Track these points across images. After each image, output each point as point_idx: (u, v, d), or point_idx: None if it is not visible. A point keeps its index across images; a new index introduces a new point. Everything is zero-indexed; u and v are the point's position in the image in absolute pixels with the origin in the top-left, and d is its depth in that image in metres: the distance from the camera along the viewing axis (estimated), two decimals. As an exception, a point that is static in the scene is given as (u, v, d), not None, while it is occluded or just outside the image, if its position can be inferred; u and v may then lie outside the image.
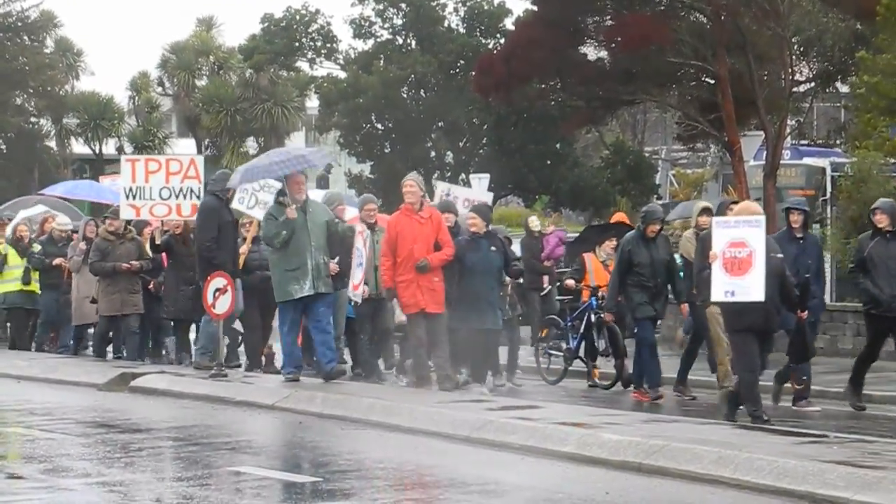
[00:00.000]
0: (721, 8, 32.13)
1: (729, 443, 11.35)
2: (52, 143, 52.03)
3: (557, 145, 44.80)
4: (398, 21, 47.54)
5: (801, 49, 35.15)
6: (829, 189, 31.09)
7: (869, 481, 9.78)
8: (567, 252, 23.21)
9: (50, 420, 14.43)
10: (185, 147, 52.83)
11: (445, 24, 47.42)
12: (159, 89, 53.79)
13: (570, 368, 19.73)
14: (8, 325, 23.15)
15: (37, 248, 21.75)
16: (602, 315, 18.60)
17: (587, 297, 19.54)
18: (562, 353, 19.79)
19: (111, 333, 20.62)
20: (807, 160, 33.67)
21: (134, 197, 19.17)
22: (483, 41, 46.45)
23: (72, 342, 21.81)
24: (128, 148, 51.21)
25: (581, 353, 19.64)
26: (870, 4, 28.58)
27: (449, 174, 44.85)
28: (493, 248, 17.01)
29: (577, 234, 25.59)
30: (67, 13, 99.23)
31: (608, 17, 34.73)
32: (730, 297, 13.67)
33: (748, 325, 13.74)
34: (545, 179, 44.69)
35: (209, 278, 17.27)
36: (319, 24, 48.85)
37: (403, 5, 46.98)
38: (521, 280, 19.47)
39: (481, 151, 46.40)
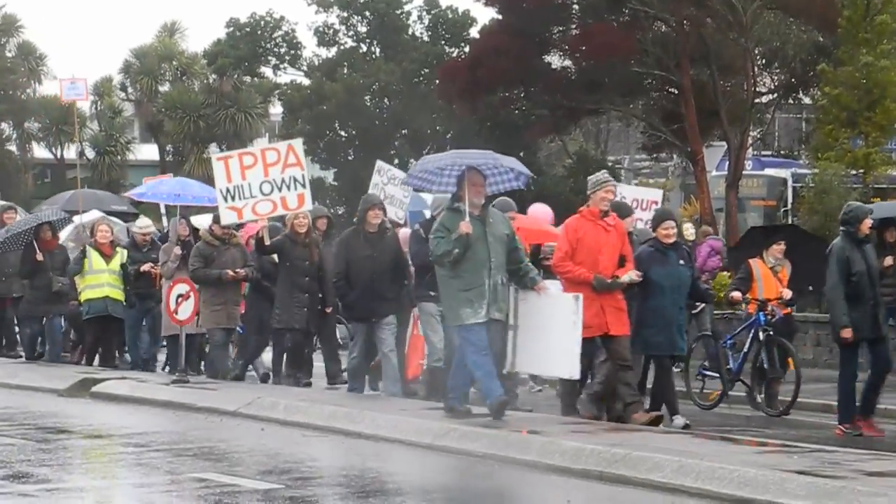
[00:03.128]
0: (685, 18, 32.30)
1: (690, 452, 11.39)
2: (13, 148, 51.76)
3: (521, 154, 44.78)
4: (362, 28, 47.56)
5: (764, 60, 35.37)
6: (790, 200, 31.30)
7: (829, 491, 9.84)
8: (730, 259, 20.48)
9: (10, 425, 14.34)
10: (147, 153, 52.66)
11: (410, 32, 47.48)
12: (122, 94, 53.60)
13: (731, 392, 17.32)
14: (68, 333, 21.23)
15: (122, 255, 19.64)
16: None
17: (753, 311, 17.13)
18: (720, 376, 17.36)
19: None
20: (768, 171, 33.92)
21: (232, 198, 17.11)
22: (447, 49, 46.52)
23: (139, 356, 19.87)
24: (89, 153, 50.98)
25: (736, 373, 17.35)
26: (832, 16, 28.81)
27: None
28: (681, 262, 14.77)
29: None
30: (30, 17, 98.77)
31: (573, 26, 34.88)
32: None
33: None
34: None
35: (172, 284, 17.34)
36: (284, 31, 48.83)
37: (367, 13, 46.99)
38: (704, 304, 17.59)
39: (445, 160, 46.42)
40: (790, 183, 31.76)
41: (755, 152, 38.66)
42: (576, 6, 35.24)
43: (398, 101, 46.32)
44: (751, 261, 17.38)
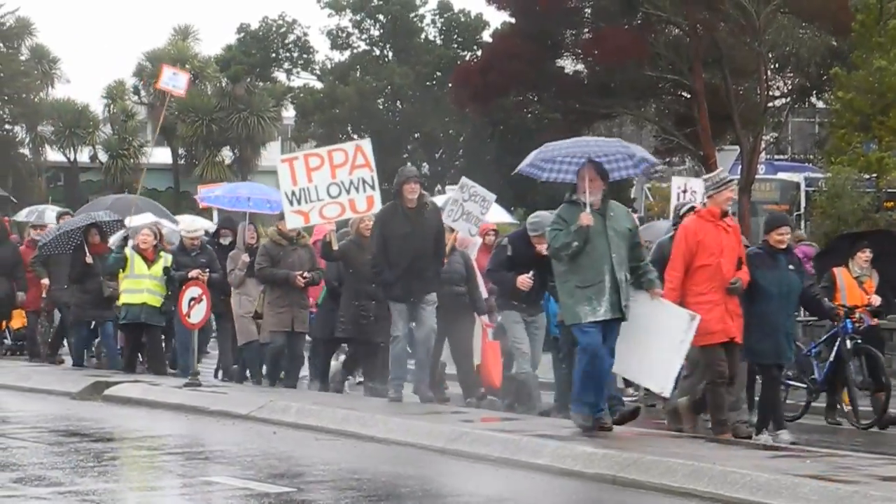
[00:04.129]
0: (698, 22, 32.29)
1: (703, 456, 11.37)
2: (27, 151, 51.86)
3: (533, 158, 44.86)
4: (375, 32, 47.61)
5: (777, 64, 35.35)
6: (803, 204, 31.26)
7: (842, 495, 9.82)
8: (815, 266, 19.35)
9: (23, 428, 14.35)
10: (160, 156, 52.71)
11: (423, 36, 47.52)
12: (135, 98, 53.69)
13: (814, 403, 16.80)
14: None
15: (166, 259, 18.73)
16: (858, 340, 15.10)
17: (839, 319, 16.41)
18: (805, 385, 16.82)
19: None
20: (781, 175, 33.91)
21: (298, 201, 16.28)
22: (460, 53, 46.55)
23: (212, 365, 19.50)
24: (102, 156, 51.05)
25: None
26: (845, 20, 28.79)
27: (425, 185, 44.89)
28: (790, 267, 14.00)
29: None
30: (43, 20, 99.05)
31: (586, 29, 34.88)
32: None
33: None
34: (521, 191, 44.70)
35: (185, 287, 17.27)
36: (296, 35, 48.89)
37: (381, 16, 47.03)
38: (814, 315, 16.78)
39: (457, 163, 46.47)
40: (803, 187, 31.74)
41: (768, 156, 38.65)
42: (588, 10, 35.26)
43: (411, 105, 46.36)
44: (835, 269, 16.89)
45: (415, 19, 47.40)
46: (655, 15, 32.63)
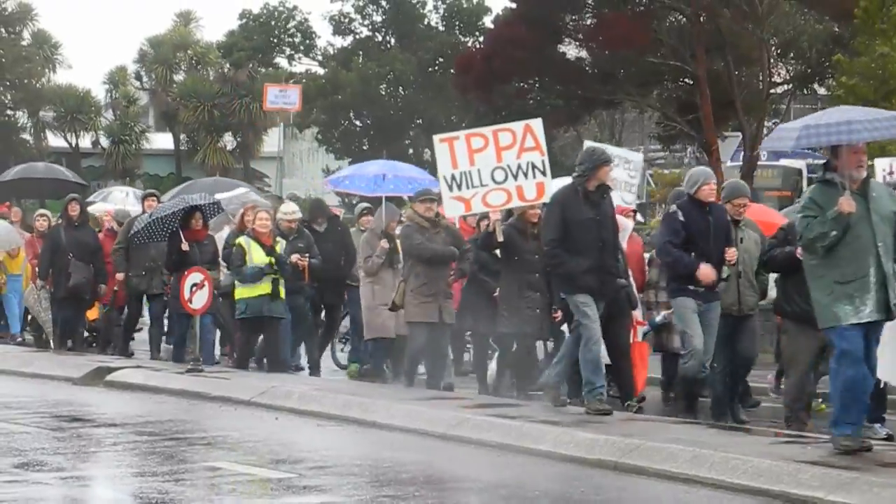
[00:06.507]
0: (701, 9, 32.26)
1: (705, 442, 11.38)
2: (28, 137, 51.82)
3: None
4: (377, 18, 47.59)
5: (779, 51, 35.31)
6: (805, 190, 31.19)
7: (843, 482, 9.82)
8: None
9: (25, 413, 14.36)
10: (162, 142, 52.70)
11: (425, 22, 47.51)
12: (137, 83, 53.64)
13: None
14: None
15: (281, 245, 16.97)
16: None
17: None
18: None
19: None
20: (783, 161, 33.87)
21: (458, 186, 14.68)
22: (462, 39, 46.53)
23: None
24: (104, 142, 51.03)
25: None
26: (847, 6, 28.74)
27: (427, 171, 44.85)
28: None
29: None
30: (45, 5, 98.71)
31: (588, 16, 34.85)
32: None
33: None
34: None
35: (186, 273, 17.15)
36: (298, 21, 48.86)
37: (383, 2, 47.00)
38: None
39: (459, 149, 46.45)
40: (805, 173, 31.73)
41: (770, 143, 38.55)
42: (591, -4, 35.23)
43: (413, 91, 46.34)
44: None
45: (417, 5, 47.38)
46: (658, 1, 32.60)
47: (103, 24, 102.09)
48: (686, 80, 34.31)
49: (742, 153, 33.53)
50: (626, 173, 15.93)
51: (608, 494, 10.21)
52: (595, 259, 13.06)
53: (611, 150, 15.50)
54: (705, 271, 13.23)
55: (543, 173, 14.60)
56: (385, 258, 16.53)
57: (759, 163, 32.58)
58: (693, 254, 13.32)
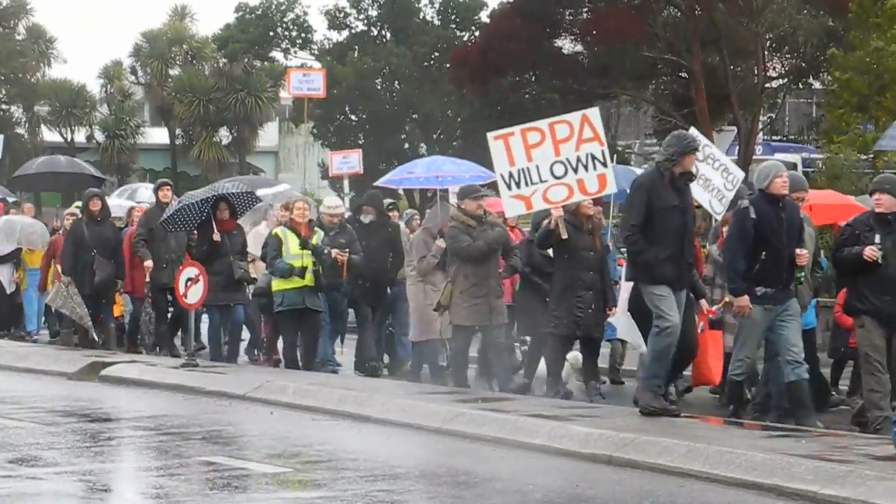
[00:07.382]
0: (696, 3, 32.27)
1: (699, 436, 11.39)
2: (23, 131, 51.75)
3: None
4: (373, 12, 47.53)
5: (774, 45, 35.32)
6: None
7: (836, 475, 9.83)
8: None
9: (19, 409, 14.36)
10: (157, 136, 52.64)
11: (420, 16, 47.44)
12: (132, 78, 53.56)
13: None
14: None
15: (318, 236, 16.51)
16: None
17: None
18: None
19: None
20: (779, 156, 33.87)
21: (517, 184, 14.19)
22: (458, 33, 46.49)
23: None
24: (99, 136, 50.97)
25: None
26: (843, 1, 28.76)
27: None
28: None
29: None
30: (40, 0, 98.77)
31: (584, 10, 34.88)
32: None
33: None
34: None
35: (181, 267, 17.15)
36: (294, 14, 48.82)
37: (379, -4, 46.97)
38: None
39: (455, 144, 46.41)
40: (800, 168, 31.73)
41: (765, 137, 38.62)
42: (586, -10, 35.25)
43: (409, 85, 46.26)
44: None
45: (412, 0, 47.33)
46: (653, -5, 32.63)
47: (98, 18, 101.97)
48: (681, 74, 34.33)
49: (737, 147, 33.54)
50: (723, 181, 15.10)
51: (602, 488, 10.22)
52: (675, 249, 12.38)
53: (716, 154, 15.10)
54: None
55: (604, 164, 14.09)
56: (440, 258, 15.90)
57: (754, 157, 32.58)
58: (764, 252, 12.56)
